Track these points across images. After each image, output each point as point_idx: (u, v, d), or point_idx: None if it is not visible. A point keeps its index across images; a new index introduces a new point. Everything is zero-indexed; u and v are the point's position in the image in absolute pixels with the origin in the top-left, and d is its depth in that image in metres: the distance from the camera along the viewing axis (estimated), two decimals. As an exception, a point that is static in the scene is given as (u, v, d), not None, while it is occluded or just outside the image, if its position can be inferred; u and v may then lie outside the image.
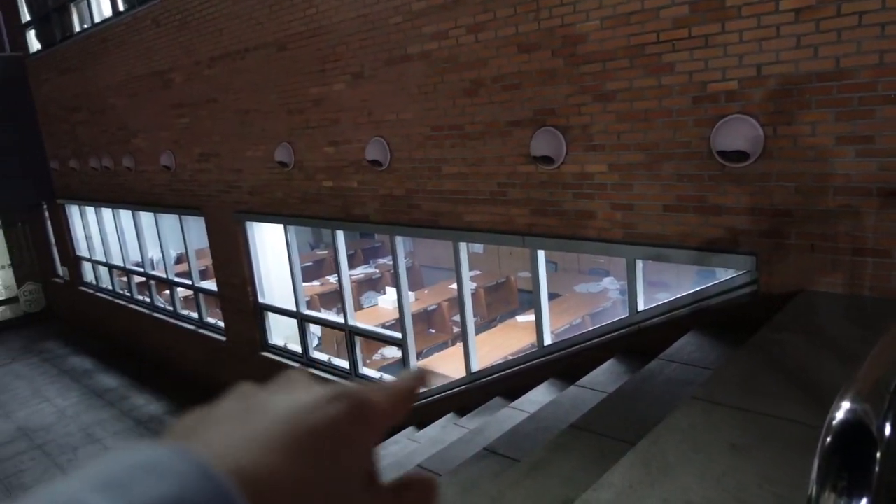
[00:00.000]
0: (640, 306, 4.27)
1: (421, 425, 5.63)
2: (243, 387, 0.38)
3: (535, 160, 4.52)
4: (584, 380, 3.93)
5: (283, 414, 0.33)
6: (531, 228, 4.71)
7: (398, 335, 6.10)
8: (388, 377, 6.46)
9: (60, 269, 13.55)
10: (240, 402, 0.36)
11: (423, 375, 0.40)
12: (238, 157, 7.35)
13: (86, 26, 10.16)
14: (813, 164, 3.37)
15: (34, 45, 11.96)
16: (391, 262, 7.08)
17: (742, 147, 3.52)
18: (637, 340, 4.25)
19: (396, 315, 6.60)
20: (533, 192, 4.64)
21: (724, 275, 4.06)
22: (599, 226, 4.31)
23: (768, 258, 3.59)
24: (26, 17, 11.89)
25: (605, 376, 3.89)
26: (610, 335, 4.44)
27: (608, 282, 9.24)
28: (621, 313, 4.83)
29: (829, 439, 1.05)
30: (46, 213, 13.36)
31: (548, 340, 4.96)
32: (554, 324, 5.72)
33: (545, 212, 4.60)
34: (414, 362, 6.06)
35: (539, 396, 4.30)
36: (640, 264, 4.28)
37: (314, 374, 0.40)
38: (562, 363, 4.73)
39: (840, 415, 1.06)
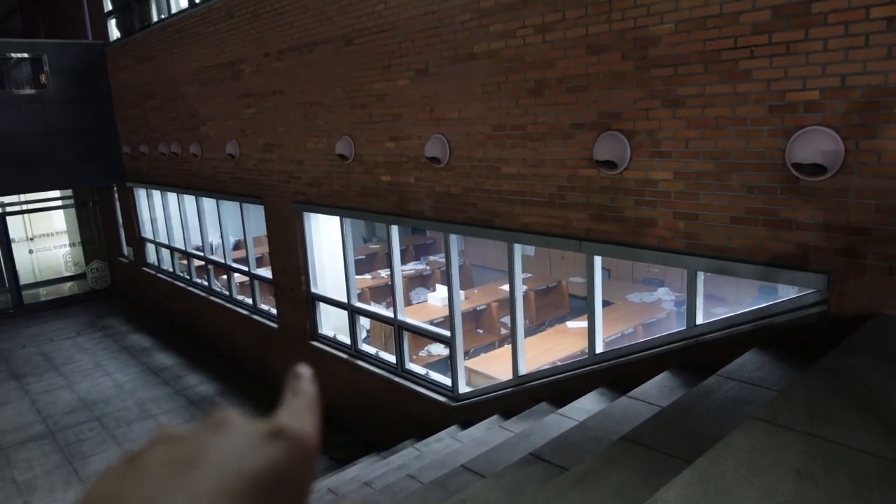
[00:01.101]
0: (699, 320, 4.13)
1: (465, 424, 5.61)
2: (166, 432, 0.35)
3: (597, 164, 4.43)
4: (636, 391, 3.82)
5: (218, 462, 0.31)
6: (589, 233, 4.62)
7: (446, 333, 6.09)
8: (433, 374, 6.48)
9: (126, 249, 14.12)
10: (166, 451, 0.33)
11: (299, 374, 0.40)
12: (300, 149, 7.49)
13: (163, 16, 10.55)
14: (897, 181, 3.18)
15: (114, 33, 12.50)
16: (442, 260, 7.09)
17: (820, 160, 3.36)
18: (693, 355, 4.11)
19: (445, 313, 6.59)
20: (593, 196, 4.55)
21: (787, 293, 3.89)
22: (660, 234, 4.20)
23: (841, 278, 3.42)
24: (108, 6, 12.44)
25: (658, 389, 3.78)
26: (665, 347, 4.32)
27: (662, 292, 9.01)
28: (675, 325, 4.70)
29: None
30: (116, 195, 13.95)
31: (599, 348, 4.86)
32: (605, 332, 5.61)
33: (604, 217, 4.51)
34: (461, 361, 6.04)
35: (588, 405, 4.22)
36: (701, 276, 4.15)
37: (239, 410, 0.38)
38: (613, 372, 4.63)
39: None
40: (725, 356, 3.57)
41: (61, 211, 15.79)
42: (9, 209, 13.91)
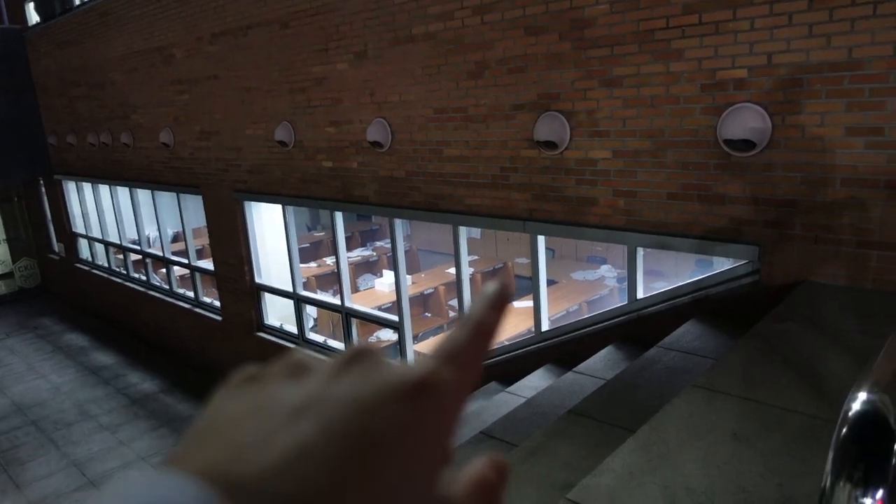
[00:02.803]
0: (640, 294, 4.25)
1: (416, 409, 5.63)
2: (281, 364, 0.30)
3: (538, 145, 4.47)
4: (582, 366, 3.91)
5: (332, 413, 0.26)
6: (532, 214, 4.67)
7: (395, 318, 6.08)
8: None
9: (56, 246, 13.48)
10: (269, 390, 0.28)
11: (503, 294, 0.32)
12: (238, 136, 7.28)
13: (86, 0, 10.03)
14: (820, 154, 3.33)
15: (33, 17, 11.81)
16: (388, 245, 7.05)
17: (749, 136, 3.48)
18: (636, 328, 4.24)
19: (393, 298, 6.58)
20: (535, 177, 4.60)
21: (722, 265, 4.04)
22: (601, 212, 4.28)
23: (771, 248, 3.57)
24: (25, -12, 11.74)
25: (602, 363, 3.88)
26: (608, 322, 4.43)
27: (605, 269, 9.22)
28: (618, 301, 4.83)
29: (845, 430, 1.03)
30: (43, 189, 13.27)
31: (545, 326, 4.94)
32: (551, 310, 5.71)
33: (547, 197, 4.57)
34: (410, 345, 6.05)
35: (536, 382, 4.29)
36: (640, 252, 4.26)
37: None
38: (559, 349, 4.72)
39: (857, 406, 1.03)
40: (666, 328, 3.69)
41: (-17, 207, 14.92)
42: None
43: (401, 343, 6.05)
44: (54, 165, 12.27)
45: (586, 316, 4.84)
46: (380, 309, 7.14)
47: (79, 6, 10.10)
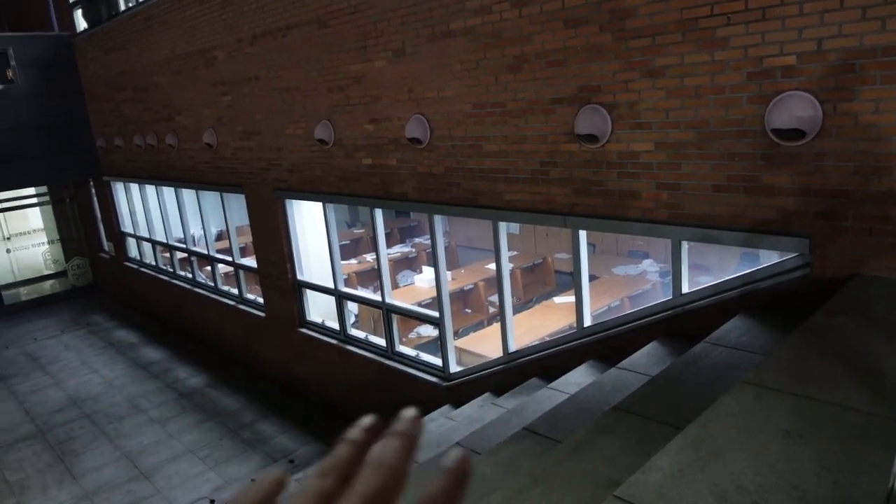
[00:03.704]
0: (685, 288, 4.17)
1: (457, 403, 5.64)
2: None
3: (578, 138, 4.42)
4: (626, 362, 3.86)
5: None
6: (573, 208, 4.63)
7: (435, 314, 6.10)
8: (423, 355, 6.50)
9: (106, 245, 13.94)
10: None
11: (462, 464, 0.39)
12: (279, 135, 7.40)
13: (131, 4, 10.31)
14: (874, 143, 3.21)
15: (81, 23, 12.20)
16: (428, 241, 7.08)
17: (798, 125, 3.38)
18: (681, 323, 4.16)
19: (433, 294, 6.61)
20: (575, 171, 4.56)
21: (770, 259, 3.93)
22: (644, 206, 4.22)
23: (822, 241, 3.46)
24: (74, -4, 12.13)
25: (647, 359, 3.82)
26: (652, 318, 4.36)
27: (647, 264, 9.08)
28: (661, 296, 4.75)
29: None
30: (93, 190, 13.73)
31: (587, 322, 4.90)
32: (592, 306, 5.65)
33: (588, 191, 4.52)
34: (451, 341, 6.06)
35: (579, 378, 4.26)
36: (685, 246, 4.18)
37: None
38: (602, 345, 4.67)
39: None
40: (712, 323, 3.62)
41: (37, 208, 15.51)
42: (-18, 209, 13.64)
43: (441, 339, 6.07)
44: (103, 167, 12.68)
45: (629, 311, 4.78)
46: (420, 305, 7.18)
47: (124, 11, 10.39)
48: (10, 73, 12.03)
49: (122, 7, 10.54)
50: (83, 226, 14.80)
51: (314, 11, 6.38)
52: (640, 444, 2.54)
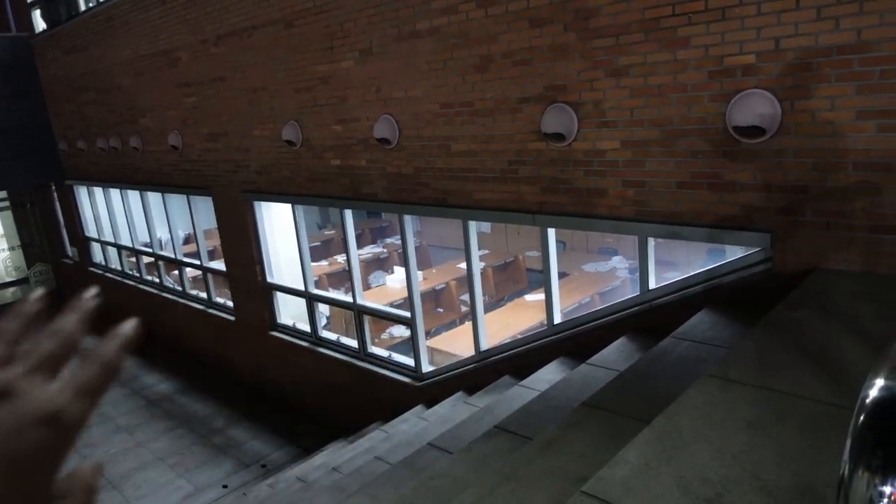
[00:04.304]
0: (652, 284, 4.24)
1: (430, 403, 5.64)
2: None
3: (546, 137, 4.46)
4: (595, 358, 3.91)
5: None
6: (542, 206, 4.66)
7: (407, 314, 6.09)
8: (396, 356, 6.48)
9: (70, 250, 13.61)
10: None
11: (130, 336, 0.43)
12: (246, 137, 7.31)
13: (91, 4, 10.08)
14: (831, 139, 3.30)
15: (40, 24, 11.90)
16: (399, 242, 7.06)
17: (758, 122, 3.45)
18: (648, 319, 4.22)
19: (405, 294, 6.59)
20: (544, 169, 4.59)
21: (734, 254, 4.01)
22: (611, 203, 4.27)
23: (783, 236, 3.54)
24: (31, -5, 11.82)
25: (616, 354, 3.87)
26: (621, 314, 4.41)
27: (617, 261, 9.19)
28: (630, 292, 4.81)
29: (862, 417, 1.02)
30: (55, 194, 13.39)
31: (557, 319, 4.94)
32: (563, 303, 5.70)
33: (556, 189, 4.55)
34: (423, 341, 6.06)
35: (549, 375, 4.29)
36: (651, 242, 4.24)
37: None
38: (572, 342, 4.71)
39: (874, 392, 1.02)
40: (678, 318, 3.68)
41: (-4, 214, 15.08)
42: (-61, 215, 13.22)
43: (413, 339, 6.06)
44: (65, 171, 12.37)
45: (599, 308, 4.83)
46: (392, 305, 7.16)
47: (84, 12, 10.16)
48: (-35, 75, 11.66)
49: (83, 7, 10.31)
50: (45, 231, 14.44)
51: (280, 11, 6.32)
52: (610, 438, 2.57)
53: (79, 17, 10.31)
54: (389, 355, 6.55)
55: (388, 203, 5.85)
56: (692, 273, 4.06)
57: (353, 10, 5.58)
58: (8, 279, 14.96)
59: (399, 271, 8.67)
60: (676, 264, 7.96)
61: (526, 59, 4.51)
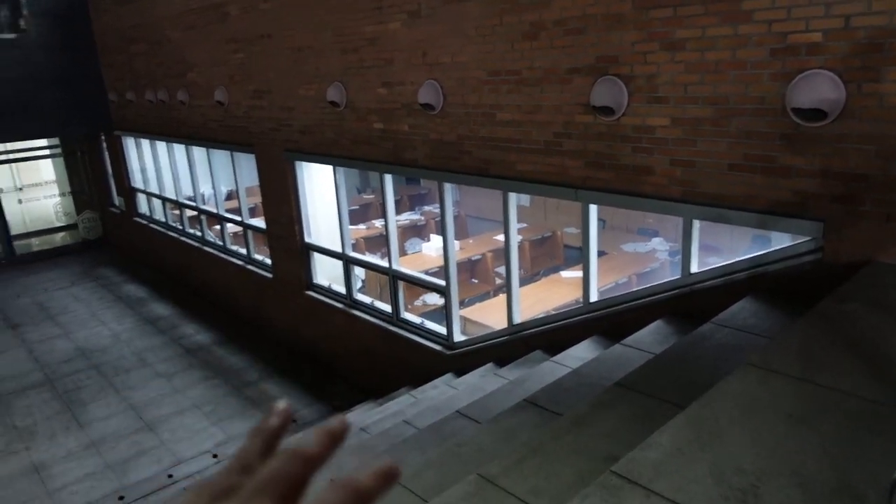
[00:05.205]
0: (694, 268, 4.14)
1: (460, 372, 5.68)
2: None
3: (594, 110, 4.34)
4: (630, 339, 3.85)
5: None
6: (585, 181, 4.57)
7: (441, 282, 6.10)
8: (428, 323, 6.52)
9: (116, 200, 13.96)
10: None
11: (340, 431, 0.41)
12: (290, 96, 7.32)
13: (145, -44, 10.13)
14: (899, 126, 3.13)
15: (94, -26, 12.03)
16: (437, 210, 7.03)
17: (820, 105, 3.29)
18: (688, 303, 4.13)
19: (440, 262, 6.60)
20: (589, 143, 4.48)
21: (781, 242, 3.88)
22: (657, 182, 4.15)
23: (837, 225, 3.40)
24: (87, -55, 11.92)
25: (651, 337, 3.81)
26: (659, 296, 4.33)
27: (657, 242, 9.02)
28: (669, 275, 4.71)
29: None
30: (104, 144, 13.69)
31: (594, 297, 4.88)
32: (600, 281, 5.62)
33: (601, 165, 4.45)
34: (456, 310, 6.07)
35: (582, 353, 4.25)
36: (697, 225, 4.13)
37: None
38: (607, 321, 4.66)
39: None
40: (719, 304, 3.59)
41: (50, 160, 15.53)
42: (-5, 159, 13.68)
43: (447, 307, 6.08)
44: (115, 121, 12.62)
45: (637, 288, 4.75)
46: (427, 273, 7.17)
47: (138, -37, 10.22)
48: (22, 23, 11.91)
49: (136, -42, 10.36)
50: (94, 180, 14.82)
51: (330, -31, 6.25)
52: (641, 420, 2.54)
53: (132, -32, 10.38)
54: (422, 322, 6.59)
55: (429, 170, 5.81)
56: (736, 259, 3.95)
57: (405, -30, 5.48)
58: (57, 224, 15.45)
59: (435, 239, 8.67)
60: (719, 249, 7.78)
61: (578, 27, 4.37)
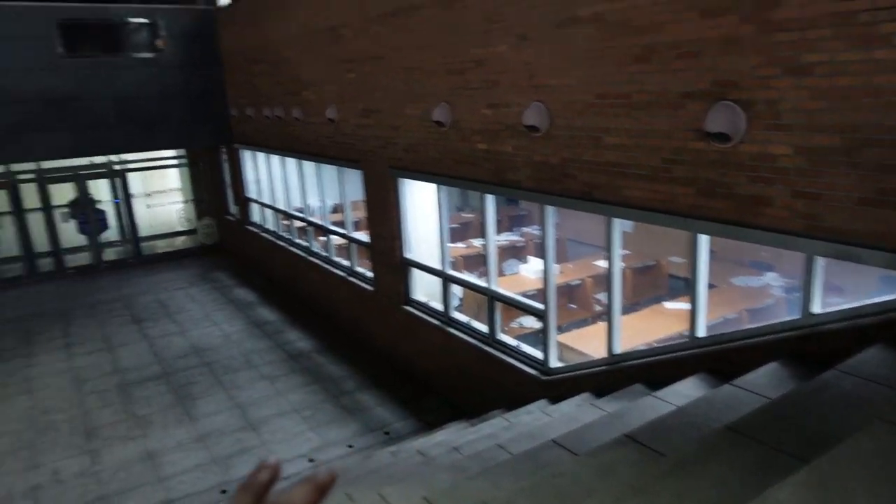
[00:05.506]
0: (816, 308, 3.86)
1: (555, 399, 5.58)
2: None
3: (708, 136, 4.17)
4: (742, 380, 3.64)
5: None
6: (695, 210, 4.39)
7: (540, 306, 6.04)
8: (524, 346, 6.46)
9: (232, 208, 14.90)
10: None
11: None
12: (397, 114, 7.54)
13: (269, -18, 10.81)
14: None
15: (224, -1, 12.98)
16: (537, 231, 6.99)
17: (972, 138, 3.00)
18: (808, 346, 3.86)
19: (538, 285, 6.55)
20: (702, 171, 4.31)
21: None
22: (777, 214, 3.92)
23: None
24: (219, -28, 12.90)
25: (766, 379, 3.58)
26: (775, 336, 4.07)
27: (771, 277, 8.50)
28: (785, 314, 4.42)
29: None
30: (224, 156, 14.68)
31: (702, 332, 4.66)
32: (708, 316, 5.37)
33: (713, 193, 4.26)
34: (553, 335, 5.99)
35: (687, 390, 4.07)
36: (820, 262, 3.86)
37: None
38: (715, 358, 4.43)
39: None
40: (844, 350, 3.33)
41: (175, 169, 16.84)
42: (129, 166, 14.97)
43: (544, 332, 6.01)
44: (234, 135, 13.52)
45: (750, 326, 4.49)
46: (524, 295, 7.13)
47: (263, -11, 10.92)
48: (159, 43, 13.05)
49: (262, -16, 11.08)
50: (213, 189, 15.89)
51: (441, -8, 6.40)
52: (754, 470, 2.39)
53: (258, -7, 11.11)
54: (518, 345, 6.54)
55: (532, 192, 5.79)
56: (865, 302, 3.65)
57: (514, -8, 5.53)
58: (179, 228, 16.69)
59: (534, 261, 8.62)
60: (842, 289, 7.21)
61: (694, 50, 4.23)
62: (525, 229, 11.36)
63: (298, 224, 11.59)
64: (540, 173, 5.65)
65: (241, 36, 12.13)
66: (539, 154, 5.61)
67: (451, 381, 7.51)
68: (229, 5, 12.61)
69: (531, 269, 8.44)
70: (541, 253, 5.99)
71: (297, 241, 11.68)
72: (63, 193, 14.35)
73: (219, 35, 13.27)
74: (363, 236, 9.22)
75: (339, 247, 10.35)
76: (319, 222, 10.58)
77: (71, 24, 12.15)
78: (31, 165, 13.60)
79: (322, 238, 10.73)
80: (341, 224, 9.88)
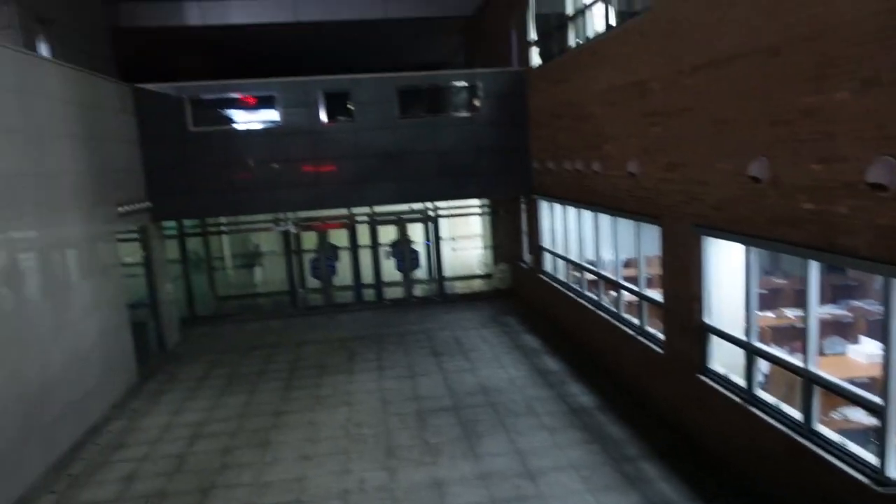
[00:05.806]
0: None
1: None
2: None
3: None
4: None
5: None
6: None
7: (877, 399, 4.97)
8: (851, 445, 5.37)
9: (526, 256, 15.57)
10: None
11: None
12: (705, 169, 7.07)
13: (579, 41, 11.22)
14: None
15: (535, 59, 13.84)
16: (869, 307, 5.83)
17: None
18: None
19: (872, 372, 5.43)
20: None
21: None
22: None
23: None
24: (532, 35, 13.82)
25: None
26: None
27: None
28: None
29: None
30: (523, 206, 15.48)
31: None
32: None
33: None
34: (894, 436, 4.86)
35: None
36: None
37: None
38: None
39: None
40: None
41: (478, 217, 18.32)
42: (441, 212, 16.72)
43: (882, 431, 4.91)
44: (534, 187, 14.20)
45: None
46: (852, 382, 5.97)
47: (573, 48, 11.37)
48: (477, 103, 14.50)
49: (571, 43, 11.55)
50: (510, 236, 16.85)
51: (766, 38, 5.86)
52: None
53: (567, 52, 11.60)
54: (843, 442, 5.46)
55: (873, 262, 4.86)
56: None
57: (860, 31, 4.78)
58: (477, 272, 18.01)
59: (867, 342, 7.22)
60: None
61: None
62: (854, 302, 9.60)
63: (589, 276, 11.56)
64: (885, 239, 4.72)
65: (548, 93, 12.76)
66: (885, 216, 4.70)
67: (750, 468, 6.59)
68: (540, 65, 13.40)
69: (862, 351, 7.08)
70: (878, 334, 4.95)
71: (587, 293, 11.64)
72: (386, 233, 16.63)
73: (527, 93, 14.18)
74: (656, 295, 8.77)
75: (630, 303, 10.01)
76: (611, 276, 10.40)
77: (406, 90, 14.27)
78: (365, 209, 16.06)
79: (612, 293, 10.51)
80: (633, 280, 9.56)
